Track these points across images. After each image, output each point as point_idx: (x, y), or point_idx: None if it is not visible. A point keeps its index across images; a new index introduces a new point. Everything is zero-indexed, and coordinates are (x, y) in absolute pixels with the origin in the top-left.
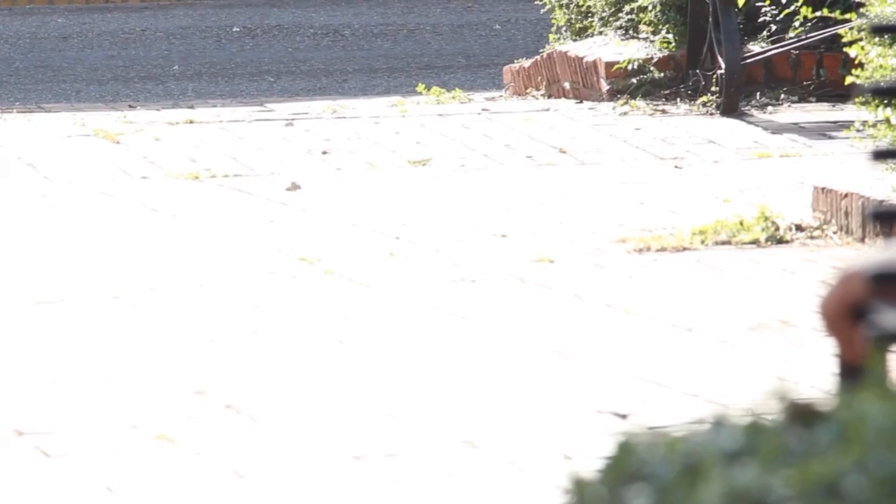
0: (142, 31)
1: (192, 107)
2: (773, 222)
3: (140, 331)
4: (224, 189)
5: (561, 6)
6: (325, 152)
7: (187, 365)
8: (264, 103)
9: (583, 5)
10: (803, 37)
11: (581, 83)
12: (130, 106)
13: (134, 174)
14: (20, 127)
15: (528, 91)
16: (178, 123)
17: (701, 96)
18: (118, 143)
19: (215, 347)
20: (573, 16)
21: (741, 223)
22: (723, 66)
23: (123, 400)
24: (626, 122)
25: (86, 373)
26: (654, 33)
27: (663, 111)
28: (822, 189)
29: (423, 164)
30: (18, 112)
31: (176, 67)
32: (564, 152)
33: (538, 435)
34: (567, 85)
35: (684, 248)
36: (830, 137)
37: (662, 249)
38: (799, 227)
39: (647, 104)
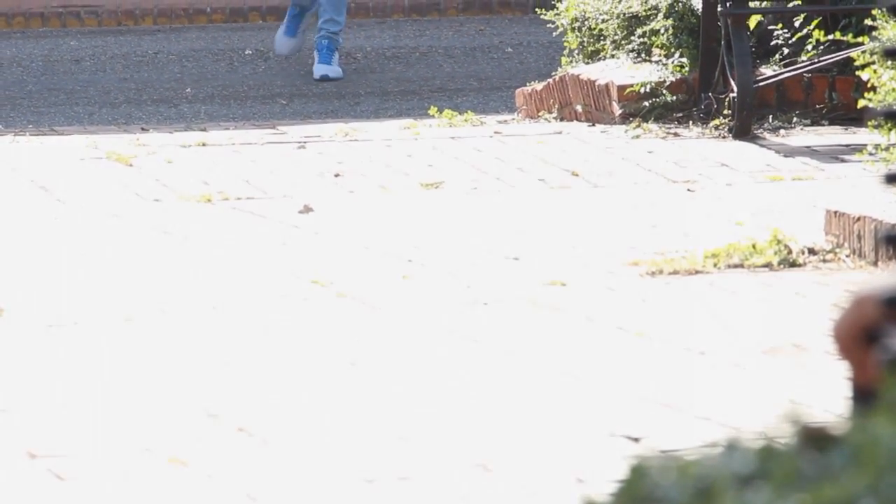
0: (154, 54)
1: (204, 129)
2: (786, 245)
3: (152, 353)
4: (236, 212)
5: (573, 29)
6: (337, 175)
7: (200, 387)
8: (276, 126)
9: (595, 28)
10: (816, 60)
11: (593, 106)
12: (143, 129)
13: (146, 197)
14: (33, 149)
15: (540, 114)
16: (190, 146)
17: (713, 119)
18: (131, 165)
19: (228, 370)
20: (585, 39)
21: (754, 246)
22: (735, 89)
23: (136, 423)
24: (638, 145)
25: (98, 395)
26: (666, 56)
27: (676, 134)
28: (835, 212)
29: (436, 187)
30: (32, 135)
31: (188, 90)
32: (577, 175)
33: (551, 458)
34: (579, 108)
35: (697, 272)
36: (843, 161)
37: (675, 272)
38: (812, 251)
39: (660, 127)
